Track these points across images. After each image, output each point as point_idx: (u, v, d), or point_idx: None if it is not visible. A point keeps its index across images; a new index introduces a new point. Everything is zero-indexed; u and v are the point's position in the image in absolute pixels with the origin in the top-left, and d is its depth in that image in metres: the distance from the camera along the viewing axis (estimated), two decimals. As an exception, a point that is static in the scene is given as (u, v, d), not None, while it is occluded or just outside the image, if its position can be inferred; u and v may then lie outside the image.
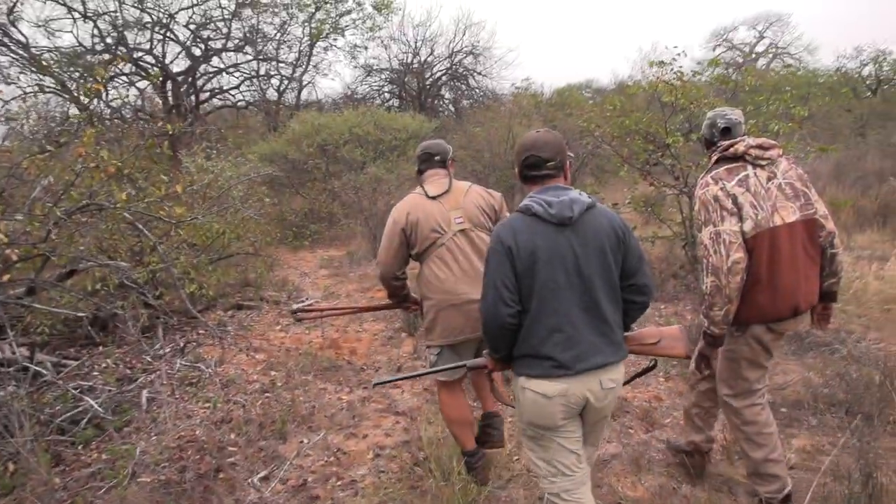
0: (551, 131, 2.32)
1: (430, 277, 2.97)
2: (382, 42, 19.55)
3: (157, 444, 3.61)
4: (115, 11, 14.69)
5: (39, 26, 14.29)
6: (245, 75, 17.86)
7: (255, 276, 7.09)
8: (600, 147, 12.81)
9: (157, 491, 3.17)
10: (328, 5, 17.62)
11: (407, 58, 20.06)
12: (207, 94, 17.74)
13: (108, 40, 15.23)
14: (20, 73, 13.67)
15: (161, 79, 15.28)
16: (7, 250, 3.22)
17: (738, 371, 2.79)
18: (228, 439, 3.77)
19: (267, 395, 4.43)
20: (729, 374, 2.83)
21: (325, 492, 3.23)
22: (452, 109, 20.47)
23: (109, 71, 13.55)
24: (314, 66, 18.83)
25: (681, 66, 6.13)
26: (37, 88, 13.30)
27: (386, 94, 20.70)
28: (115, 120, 12.13)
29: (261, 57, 17.68)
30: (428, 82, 20.32)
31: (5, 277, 3.43)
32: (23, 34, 13.93)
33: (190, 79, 16.80)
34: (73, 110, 12.63)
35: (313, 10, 17.66)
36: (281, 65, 18.34)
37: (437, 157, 3.10)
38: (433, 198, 2.99)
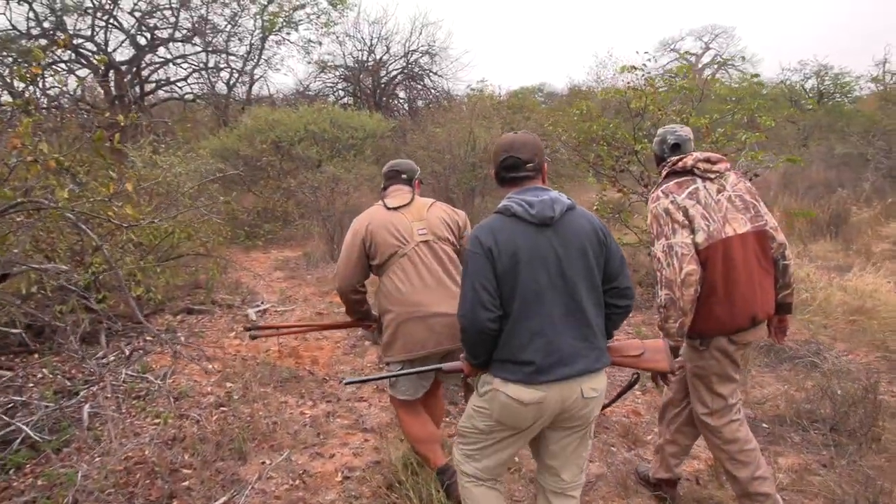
0: (528, 133, 2.28)
1: (390, 289, 2.87)
2: (337, 38, 19.11)
3: (102, 467, 3.26)
4: (54, -7, 13.86)
5: (-32, 7, 13.34)
6: (193, 67, 17.14)
7: (205, 278, 6.69)
8: (558, 151, 12.90)
9: (102, 523, 2.84)
10: (281, -2, 17.09)
11: (362, 55, 19.67)
12: (153, 85, 16.95)
13: (46, 24, 14.34)
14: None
15: (104, 67, 14.48)
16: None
17: (710, 387, 2.74)
18: (182, 460, 3.45)
19: (223, 409, 4.11)
20: (702, 393, 2.78)
21: (292, 520, 2.96)
22: (407, 109, 20.19)
23: (48, 56, 12.75)
24: (266, 61, 18.22)
25: (649, 73, 6.08)
26: (-37, 73, 12.40)
27: (340, 91, 20.27)
28: (53, 109, 11.37)
29: (210, 49, 16.96)
30: (383, 81, 19.99)
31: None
32: (-51, 14, 12.98)
33: (134, 69, 15.99)
34: (6, 97, 11.82)
35: (265, 3, 17.10)
36: (231, 57, 17.65)
37: (403, 175, 3.07)
38: (393, 209, 2.93)
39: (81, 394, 4.07)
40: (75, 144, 4.70)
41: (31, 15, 13.98)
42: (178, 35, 16.24)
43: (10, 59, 13.28)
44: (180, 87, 17.25)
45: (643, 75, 6.09)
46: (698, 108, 6.43)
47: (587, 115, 6.79)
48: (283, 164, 10.44)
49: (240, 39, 17.56)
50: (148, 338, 5.29)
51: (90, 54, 15.02)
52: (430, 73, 19.89)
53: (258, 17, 17.30)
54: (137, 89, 16.09)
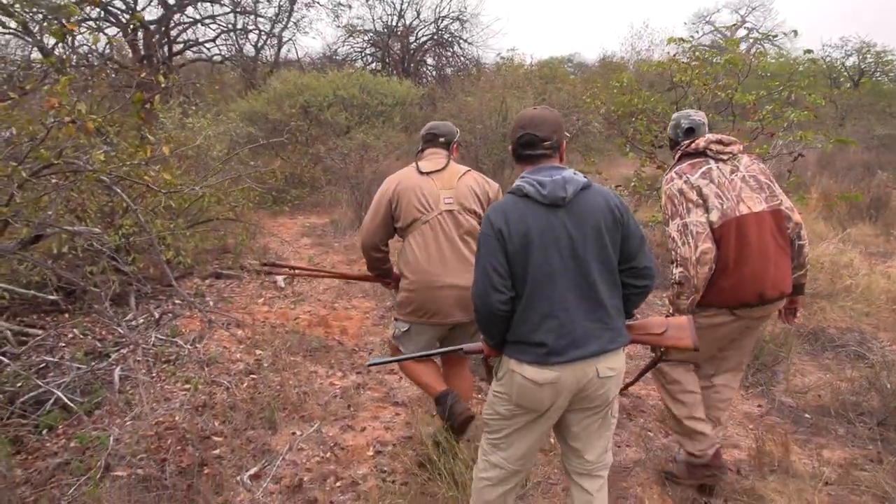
0: (549, 108, 2.22)
1: (409, 255, 2.88)
2: (367, 1, 18.81)
3: (133, 431, 3.24)
4: (84, -50, 13.70)
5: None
6: (222, 28, 16.97)
7: (234, 243, 6.65)
8: (590, 124, 12.60)
9: (134, 488, 2.81)
10: (313, -42, 16.78)
11: (392, 20, 19.38)
12: (181, 45, 16.83)
13: (76, -19, 14.23)
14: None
15: (138, 24, 14.37)
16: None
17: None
18: (212, 427, 3.42)
19: (252, 376, 4.08)
20: None
21: (324, 494, 2.92)
22: (435, 76, 19.87)
23: (80, 13, 12.65)
24: (295, 23, 18.00)
25: (697, 45, 5.82)
26: (-6, 28, 12.35)
27: (368, 56, 20.01)
28: (82, 68, 11.32)
29: (238, 10, 16.78)
30: (412, 47, 19.68)
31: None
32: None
33: (163, 28, 15.86)
34: (36, 54, 11.77)
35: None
36: (259, 19, 17.47)
37: (441, 139, 3.00)
38: (425, 173, 2.89)
39: (112, 356, 4.04)
40: (105, 104, 4.61)
41: (61, -29, 13.87)
42: (207, -6, 16.05)
43: (40, 15, 13.22)
44: (208, 49, 17.12)
45: (690, 47, 5.83)
46: (744, 85, 6.15)
47: (627, 88, 6.56)
48: (312, 130, 10.32)
49: (268, 1, 17.36)
50: (177, 301, 5.27)
51: (119, 12, 14.91)
52: (460, 41, 19.53)
53: (288, -24, 17.03)
54: (165, 49, 15.99)
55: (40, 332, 4.30)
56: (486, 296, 2.01)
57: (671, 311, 2.66)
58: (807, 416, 3.74)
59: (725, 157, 2.66)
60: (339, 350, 4.57)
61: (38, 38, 12.38)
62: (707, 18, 30.46)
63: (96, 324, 4.68)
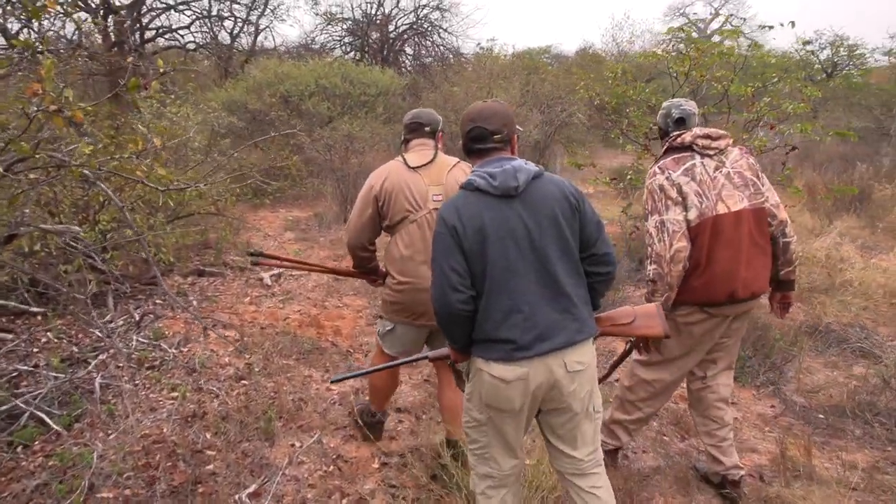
0: (499, 101, 2.19)
1: (395, 254, 2.81)
2: (346, -11, 18.39)
3: (119, 447, 3.00)
4: (50, -69, 13.10)
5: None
6: (196, 14, 16.45)
7: (215, 238, 6.36)
8: (573, 116, 12.45)
9: (122, 512, 2.59)
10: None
11: (370, 8, 18.98)
12: (153, 32, 16.28)
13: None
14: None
15: (103, 11, 13.84)
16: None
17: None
18: (204, 440, 3.19)
19: (244, 382, 3.85)
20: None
21: (331, 513, 2.72)
22: (410, 66, 19.53)
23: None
24: (272, 10, 17.52)
25: (696, 35, 5.68)
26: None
27: (347, 45, 19.60)
28: (49, 54, 10.82)
29: (213, -5, 16.28)
30: (391, 36, 19.33)
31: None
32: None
33: (134, 14, 15.32)
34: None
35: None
36: (235, 6, 16.96)
37: (427, 128, 2.88)
38: (414, 168, 2.78)
39: (92, 363, 3.77)
40: (76, 92, 4.28)
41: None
42: (180, -22, 15.53)
43: (5, -1, 12.65)
44: (182, 36, 16.58)
45: (687, 39, 5.68)
46: (741, 75, 6.04)
47: (622, 79, 6.41)
48: (292, 120, 10.00)
49: (245, -14, 16.83)
50: (158, 301, 5.00)
51: (88, -3, 14.33)
52: (440, 30, 19.24)
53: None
54: (137, 36, 15.44)
55: (8, 335, 4.01)
56: (444, 297, 1.93)
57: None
58: (821, 416, 3.64)
59: (712, 153, 2.63)
60: (333, 352, 4.35)
61: (2, 21, 11.86)
62: (681, 10, 30.56)
63: (71, 326, 4.40)
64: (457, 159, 2.93)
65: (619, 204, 8.30)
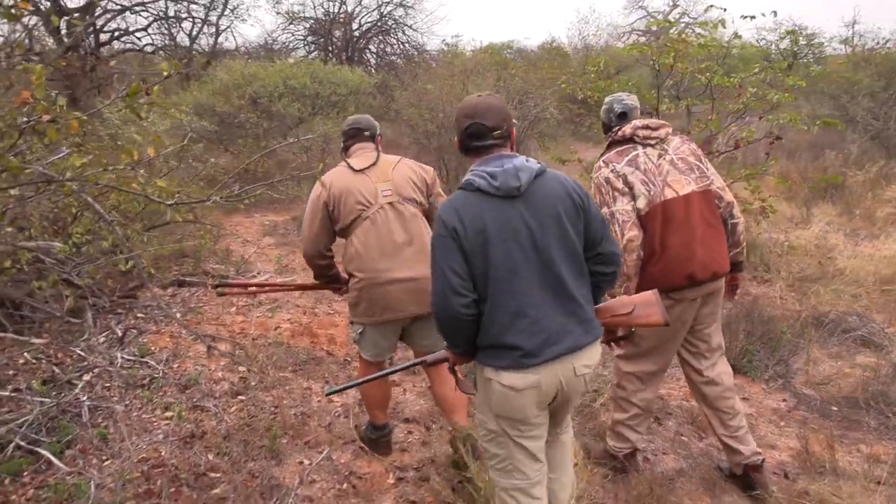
0: (494, 95, 2.13)
1: (352, 253, 2.80)
2: (307, -14, 18.07)
3: (117, 474, 2.80)
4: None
5: None
6: (153, 16, 15.95)
7: (193, 246, 6.11)
8: (545, 111, 12.43)
9: (129, 547, 2.40)
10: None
11: (333, 6, 18.70)
12: (109, 35, 15.72)
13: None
14: None
15: (54, 14, 13.28)
16: None
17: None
18: (206, 462, 3.02)
19: (241, 397, 3.67)
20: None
21: (352, 535, 2.57)
22: (375, 64, 19.30)
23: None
24: (231, 10, 17.10)
25: (685, 27, 5.67)
26: None
27: (310, 44, 19.27)
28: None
29: (169, -4, 15.79)
30: (355, 34, 19.07)
31: None
32: None
33: (88, 16, 14.76)
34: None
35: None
36: (193, 6, 16.49)
37: (366, 132, 2.95)
38: (359, 171, 2.81)
39: (78, 384, 3.54)
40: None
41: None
42: (135, -21, 15.03)
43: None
44: (139, 38, 16.08)
45: (673, 30, 5.67)
46: (724, 67, 6.06)
47: (604, 73, 6.37)
48: (263, 122, 9.74)
49: (202, -14, 16.38)
50: (139, 315, 4.75)
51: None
52: (405, 27, 19.07)
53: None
54: (91, 40, 14.88)
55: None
56: (445, 300, 1.88)
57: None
58: (834, 408, 3.62)
59: (653, 142, 2.67)
60: (330, 362, 4.19)
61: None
62: (640, 3, 30.96)
63: (49, 346, 4.14)
64: (399, 157, 2.98)
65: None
